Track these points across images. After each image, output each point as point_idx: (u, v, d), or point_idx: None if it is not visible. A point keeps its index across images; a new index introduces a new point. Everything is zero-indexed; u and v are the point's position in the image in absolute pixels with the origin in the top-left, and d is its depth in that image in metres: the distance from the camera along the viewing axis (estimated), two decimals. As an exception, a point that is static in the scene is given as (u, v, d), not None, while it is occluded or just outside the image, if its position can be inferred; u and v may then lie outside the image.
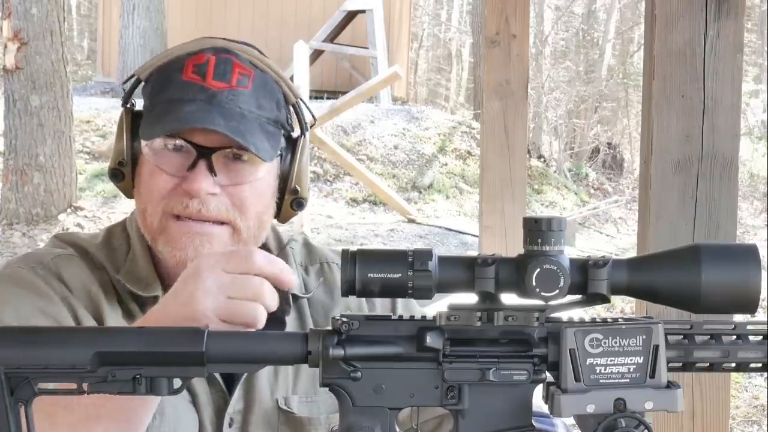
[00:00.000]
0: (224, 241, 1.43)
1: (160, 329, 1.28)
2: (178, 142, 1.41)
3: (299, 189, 1.50)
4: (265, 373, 1.50)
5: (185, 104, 1.40)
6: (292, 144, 1.51)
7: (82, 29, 24.24)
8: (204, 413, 1.46)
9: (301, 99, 1.52)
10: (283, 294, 1.54)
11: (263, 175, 1.46)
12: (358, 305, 1.58)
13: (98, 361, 1.06)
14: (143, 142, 1.45)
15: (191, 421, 1.45)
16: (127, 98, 1.49)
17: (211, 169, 1.41)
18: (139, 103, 1.51)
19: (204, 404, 1.46)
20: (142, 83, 1.49)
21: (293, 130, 1.52)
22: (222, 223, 1.43)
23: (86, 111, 11.34)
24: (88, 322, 1.43)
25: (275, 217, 1.52)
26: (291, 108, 1.50)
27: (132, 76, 1.50)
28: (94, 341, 1.07)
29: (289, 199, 1.50)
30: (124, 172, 1.47)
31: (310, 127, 1.53)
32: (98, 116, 11.35)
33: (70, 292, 1.45)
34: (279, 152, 1.47)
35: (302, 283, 1.58)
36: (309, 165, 1.54)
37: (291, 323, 1.54)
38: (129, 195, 1.50)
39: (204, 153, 1.41)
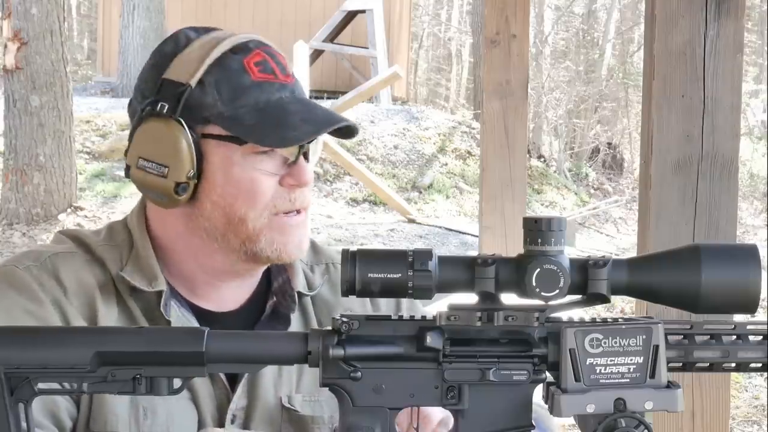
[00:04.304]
0: (307, 225, 1.50)
1: (160, 329, 1.29)
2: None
3: None
4: (269, 371, 1.50)
5: (285, 104, 1.44)
6: None
7: (82, 29, 24.23)
8: (205, 410, 1.47)
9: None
10: (288, 291, 1.55)
11: None
12: (362, 305, 1.58)
13: (98, 361, 1.06)
14: (233, 151, 1.42)
15: (188, 419, 1.45)
16: (176, 108, 1.42)
17: (307, 158, 1.47)
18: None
19: (205, 401, 1.47)
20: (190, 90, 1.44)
21: None
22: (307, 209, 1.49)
23: (86, 111, 11.34)
24: (79, 324, 1.43)
25: None
26: None
27: (179, 84, 1.43)
28: (94, 341, 1.07)
29: None
30: (190, 184, 1.43)
31: None
32: (98, 116, 11.35)
33: (64, 293, 1.45)
34: None
35: (307, 281, 1.59)
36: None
37: (295, 321, 1.54)
38: (175, 204, 1.44)
39: (303, 145, 1.45)
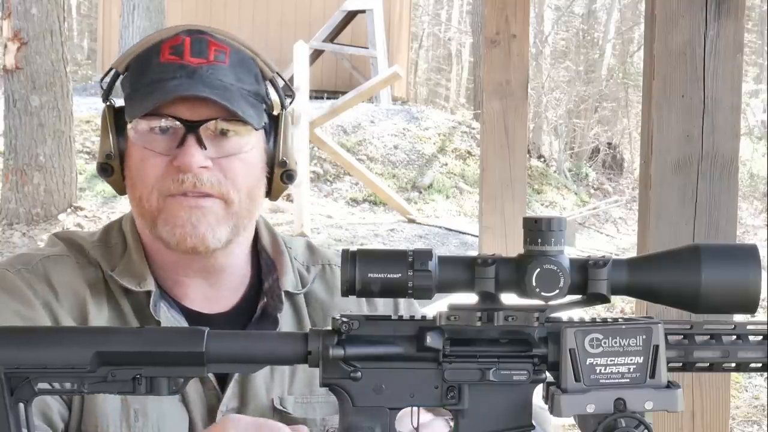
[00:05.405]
0: (218, 214, 1.44)
1: (160, 329, 1.29)
2: (165, 122, 1.42)
3: (287, 161, 1.50)
4: (261, 373, 1.49)
5: (168, 81, 1.41)
6: (274, 120, 1.52)
7: (82, 29, 24.23)
8: (195, 411, 1.46)
9: (278, 73, 1.53)
10: (276, 291, 1.54)
11: (251, 149, 1.46)
12: (358, 306, 1.58)
13: (98, 361, 1.06)
14: (129, 128, 1.45)
15: (180, 420, 1.45)
16: (107, 93, 1.50)
17: (201, 143, 1.42)
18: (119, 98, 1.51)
19: (195, 402, 1.46)
20: (121, 77, 1.49)
21: (272, 108, 1.53)
22: (215, 196, 1.43)
23: (86, 111, 11.35)
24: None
25: (266, 195, 1.53)
26: (269, 83, 1.51)
27: (109, 70, 1.50)
28: (93, 341, 1.07)
29: (278, 173, 1.51)
30: (112, 166, 1.47)
31: (290, 101, 1.54)
32: (98, 116, 11.29)
33: (55, 296, 1.45)
34: (263, 125, 1.48)
35: (299, 280, 1.58)
36: (294, 141, 1.55)
37: (287, 320, 1.54)
38: (120, 190, 1.50)
39: (192, 127, 1.42)
